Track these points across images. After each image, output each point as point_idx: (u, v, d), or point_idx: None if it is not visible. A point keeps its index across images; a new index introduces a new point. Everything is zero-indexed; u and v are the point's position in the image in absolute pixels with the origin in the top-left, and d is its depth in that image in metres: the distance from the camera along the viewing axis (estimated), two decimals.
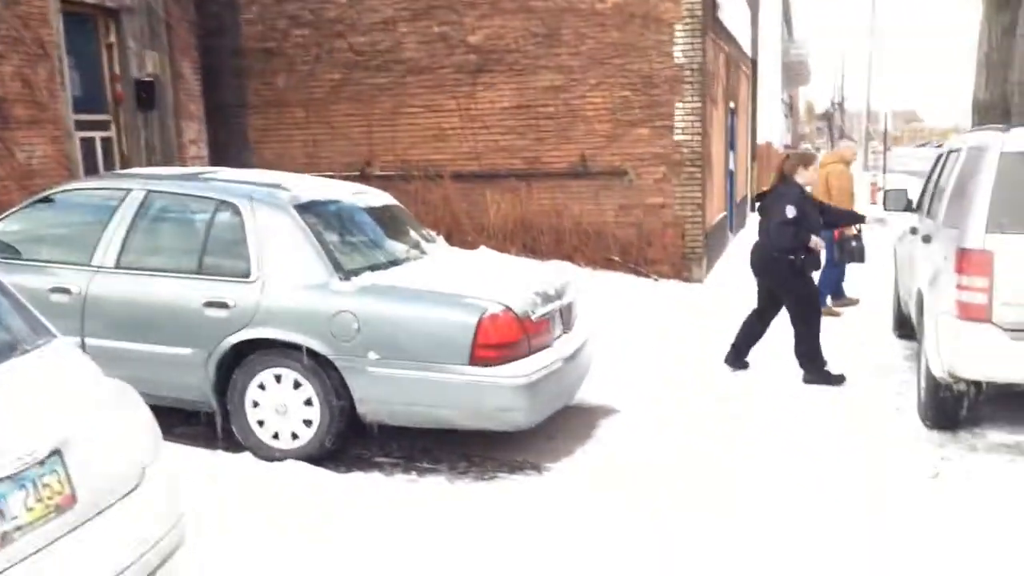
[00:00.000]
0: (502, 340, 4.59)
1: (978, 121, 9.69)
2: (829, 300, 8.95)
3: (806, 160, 6.62)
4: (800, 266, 6.34)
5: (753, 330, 6.81)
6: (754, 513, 4.15)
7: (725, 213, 13.95)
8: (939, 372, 4.97)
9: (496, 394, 4.56)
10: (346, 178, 9.95)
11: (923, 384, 5.46)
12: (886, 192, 7.26)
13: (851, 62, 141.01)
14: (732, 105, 15.10)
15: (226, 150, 11.71)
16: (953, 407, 5.18)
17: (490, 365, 4.56)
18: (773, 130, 40.03)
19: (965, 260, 4.67)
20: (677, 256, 10.86)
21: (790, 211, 6.20)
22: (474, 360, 4.54)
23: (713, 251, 12.14)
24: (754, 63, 20.19)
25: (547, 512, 4.15)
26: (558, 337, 5.16)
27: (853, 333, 8.02)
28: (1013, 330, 4.52)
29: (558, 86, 11.05)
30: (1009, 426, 5.31)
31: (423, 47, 11.37)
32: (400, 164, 11.50)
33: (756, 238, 6.79)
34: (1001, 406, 5.46)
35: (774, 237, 6.33)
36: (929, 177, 6.81)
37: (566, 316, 5.34)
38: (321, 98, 11.75)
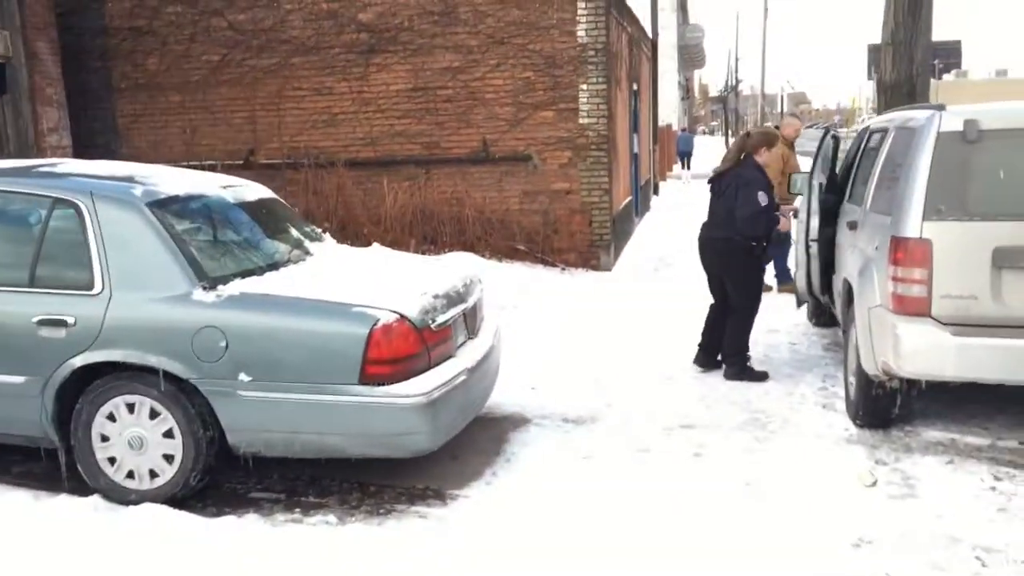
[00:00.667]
0: (397, 354, 3.98)
1: (885, 102, 9.54)
2: (775, 284, 8.63)
3: (770, 140, 6.12)
4: (759, 255, 6.02)
5: (714, 327, 6.36)
6: (685, 547, 3.68)
7: (631, 197, 13.61)
8: (872, 369, 4.61)
9: (392, 416, 3.95)
10: (229, 168, 9.11)
11: (853, 381, 5.11)
12: (790, 176, 6.92)
13: (745, 46, 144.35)
14: (635, 87, 14.76)
15: (92, 139, 10.67)
16: (886, 405, 4.84)
17: (384, 383, 3.95)
18: (672, 112, 40.24)
19: (901, 250, 4.30)
20: (585, 244, 10.42)
21: (763, 198, 5.80)
22: (365, 378, 3.93)
23: (620, 238, 11.77)
24: (654, 46, 19.97)
25: (453, 569, 3.56)
26: (462, 344, 4.59)
27: (763, 320, 7.67)
28: (953, 324, 4.18)
29: (457, 67, 10.43)
30: (941, 422, 5.01)
31: (310, 25, 10.57)
32: (288, 152, 10.70)
33: (708, 222, 6.20)
34: (932, 400, 5.17)
35: (745, 226, 5.84)
36: (850, 159, 6.49)
37: (471, 320, 4.77)
38: (199, 81, 10.80)
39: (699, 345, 6.34)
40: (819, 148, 6.21)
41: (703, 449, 4.78)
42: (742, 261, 5.96)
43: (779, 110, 32.62)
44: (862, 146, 5.82)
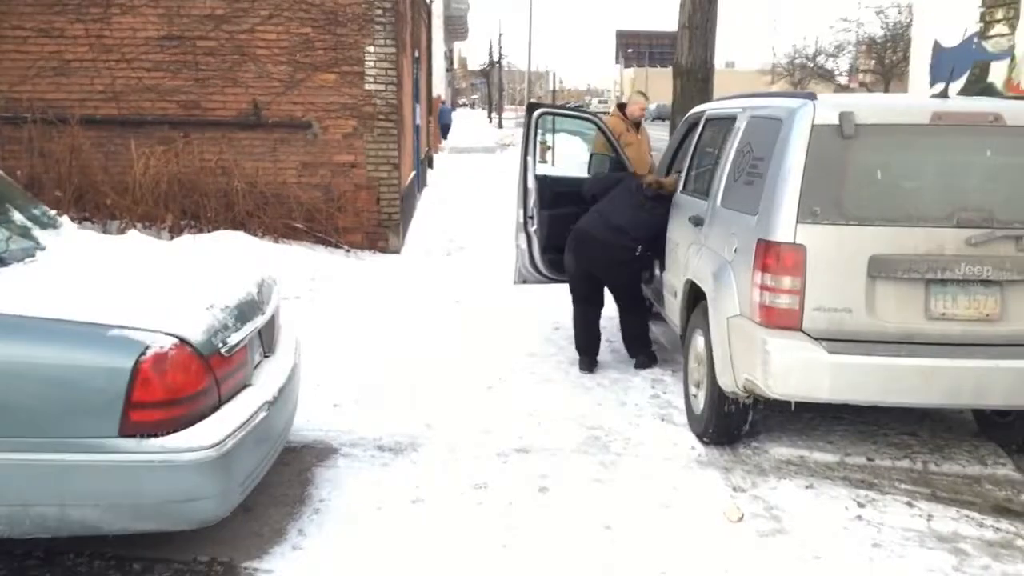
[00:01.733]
0: (176, 392, 2.94)
1: (680, 87, 9.37)
2: None
3: None
4: (645, 257, 5.70)
5: (596, 326, 5.90)
6: None
7: (415, 173, 12.77)
8: (731, 386, 4.16)
9: (170, 478, 2.92)
10: None
11: (699, 394, 4.67)
12: (592, 156, 6.47)
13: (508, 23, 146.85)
14: (416, 54, 13.87)
15: None
16: (738, 422, 4.44)
17: (157, 434, 2.90)
18: (439, 83, 39.66)
19: (771, 255, 3.84)
20: (372, 224, 9.46)
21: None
22: (129, 428, 2.86)
23: (406, 217, 10.91)
24: (429, 13, 19.12)
25: None
26: (258, 365, 3.60)
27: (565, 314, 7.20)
28: (827, 339, 3.78)
29: (221, 16, 9.04)
30: (786, 436, 4.68)
31: None
32: (6, 103, 8.80)
33: (596, 220, 5.66)
34: (771, 412, 4.85)
35: (640, 229, 5.51)
36: (675, 146, 6.07)
37: (267, 334, 3.77)
38: None
39: (579, 350, 5.85)
40: (527, 125, 6.03)
41: (547, 481, 4.11)
42: (626, 259, 5.64)
43: (551, 88, 32.85)
44: (699, 133, 5.38)
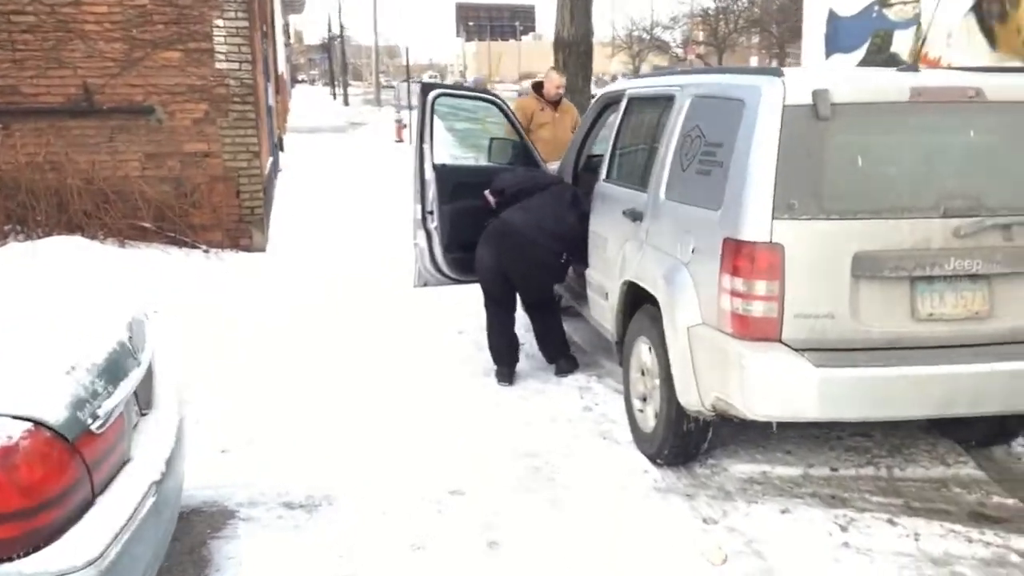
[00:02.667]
0: (33, 497, 2.14)
1: (563, 60, 8.87)
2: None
3: None
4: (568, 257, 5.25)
5: (513, 331, 5.36)
6: None
7: (272, 158, 11.73)
8: (695, 405, 3.68)
9: None
10: None
11: (647, 410, 4.18)
12: (492, 141, 5.85)
13: None
14: (264, 28, 12.75)
15: None
16: (698, 441, 3.98)
17: (12, 556, 2.10)
18: (280, 60, 37.78)
19: (743, 257, 3.36)
20: (232, 219, 8.48)
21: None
22: None
23: (269, 209, 9.94)
24: None
25: None
26: (136, 425, 2.80)
27: (472, 317, 6.60)
28: (809, 350, 3.33)
29: None
30: (741, 449, 4.27)
31: None
32: None
33: (525, 218, 5.07)
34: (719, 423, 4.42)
35: (571, 239, 5.06)
36: (588, 128, 5.53)
37: (145, 386, 2.95)
38: None
39: (496, 363, 5.27)
40: (423, 108, 5.36)
41: (494, 532, 3.51)
42: (556, 271, 5.20)
43: (406, 62, 31.60)
44: (621, 115, 4.84)
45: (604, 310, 4.78)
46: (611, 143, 4.90)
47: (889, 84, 3.46)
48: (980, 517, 3.73)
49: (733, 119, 3.54)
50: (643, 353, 4.21)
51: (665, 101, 4.27)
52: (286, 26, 53.83)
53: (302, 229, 10.05)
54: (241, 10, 8.24)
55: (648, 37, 75.15)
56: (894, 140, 3.38)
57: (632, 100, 4.79)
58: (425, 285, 5.73)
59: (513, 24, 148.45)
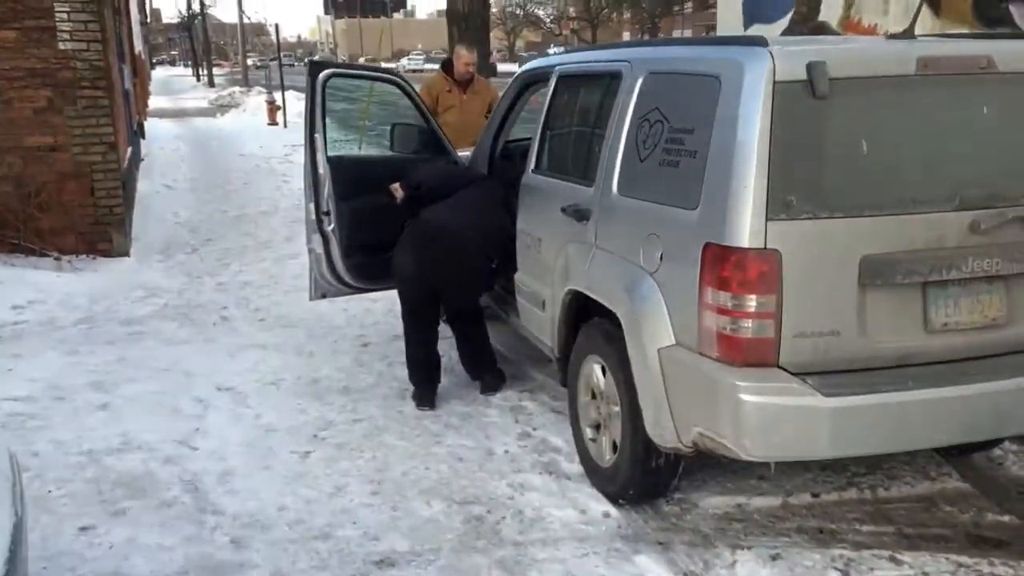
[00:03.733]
0: None
1: (458, 34, 8.14)
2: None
3: None
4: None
5: (435, 349, 4.60)
6: None
7: (131, 149, 10.52)
8: (671, 442, 3.09)
9: None
10: None
11: (601, 440, 3.58)
12: (394, 127, 5.09)
13: None
14: (116, 3, 11.44)
15: None
16: (667, 478, 3.41)
17: None
18: (136, 40, 35.41)
19: (731, 267, 2.77)
20: (88, 221, 7.39)
21: None
22: None
23: (130, 207, 8.83)
24: None
25: None
26: None
27: (385, 330, 5.88)
28: (812, 374, 2.79)
29: None
30: (709, 478, 3.71)
31: None
32: None
33: (454, 217, 4.39)
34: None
35: (505, 241, 4.41)
36: (505, 109, 4.84)
37: None
38: None
39: (416, 384, 4.55)
40: (312, 91, 4.58)
41: None
42: (487, 278, 4.55)
43: (276, 40, 29.84)
44: (551, 95, 4.17)
45: (540, 321, 4.14)
46: (540, 128, 4.23)
47: (892, 54, 2.93)
48: (980, 541, 3.32)
49: (706, 100, 2.94)
50: (595, 374, 3.60)
51: (609, 79, 3.63)
52: (141, 3, 50.71)
53: (171, 226, 9.00)
54: None
55: (522, 13, 74.97)
56: (901, 120, 2.85)
57: (564, 78, 4.13)
58: (323, 297, 4.95)
59: (384, 1, 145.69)
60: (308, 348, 5.39)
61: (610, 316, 3.39)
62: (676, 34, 60.76)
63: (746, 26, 6.63)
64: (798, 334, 2.79)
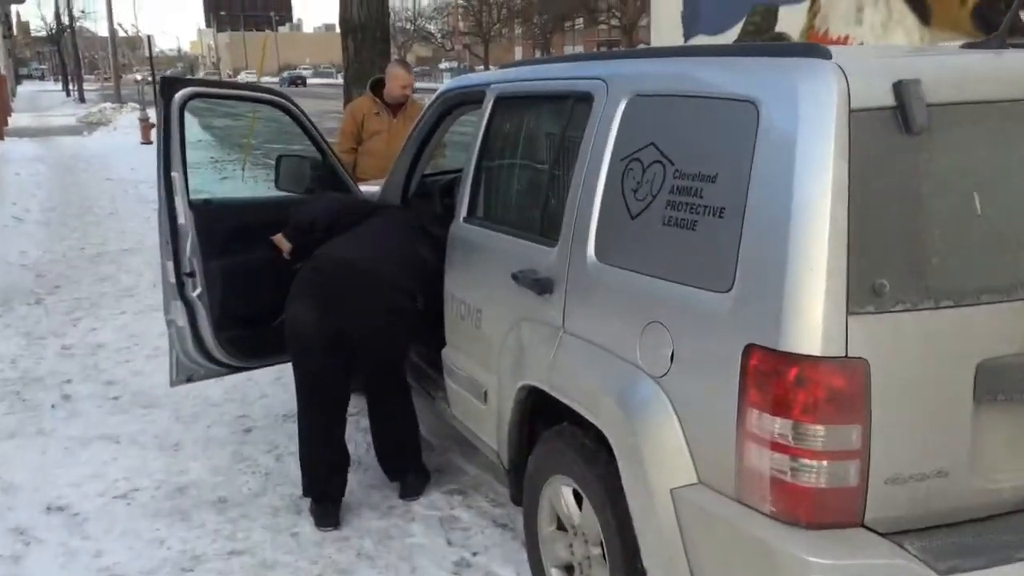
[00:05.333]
0: None
1: (354, 48, 7.09)
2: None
3: None
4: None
5: (343, 442, 3.55)
6: None
7: None
8: None
9: None
10: None
11: None
12: (280, 160, 4.01)
13: None
14: None
15: None
16: None
17: None
18: None
19: (795, 384, 1.87)
20: None
21: None
22: None
23: None
24: None
25: None
26: None
27: (254, 402, 4.79)
28: (912, 533, 1.90)
29: None
30: None
31: None
32: None
33: (368, 256, 3.38)
34: None
35: (420, 276, 3.43)
36: (421, 139, 3.84)
37: None
38: None
39: (321, 491, 3.48)
40: (167, 116, 3.46)
41: None
42: (412, 322, 3.49)
43: (148, 54, 27.82)
44: (486, 123, 3.19)
45: (481, 417, 3.16)
46: (473, 164, 3.24)
47: (1001, 71, 2.07)
48: None
49: (736, 135, 2.03)
50: (565, 501, 2.64)
51: (573, 103, 2.69)
52: (6, 16, 47.35)
53: (14, 270, 7.58)
54: None
55: (412, 28, 73.86)
56: (1017, 163, 2.00)
57: (504, 100, 3.15)
58: (188, 380, 3.82)
59: (268, 14, 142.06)
60: (173, 438, 4.25)
61: (583, 422, 2.45)
62: (568, 50, 60.91)
63: (686, 37, 5.83)
64: (892, 478, 1.90)
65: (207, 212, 3.63)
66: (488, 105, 3.19)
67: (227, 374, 3.91)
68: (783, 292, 1.87)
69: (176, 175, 3.47)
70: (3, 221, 9.78)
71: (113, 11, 35.03)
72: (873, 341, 1.85)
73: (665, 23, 6.07)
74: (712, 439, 2.05)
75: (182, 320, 3.60)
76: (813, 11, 4.89)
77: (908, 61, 2.04)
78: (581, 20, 59.67)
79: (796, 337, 1.86)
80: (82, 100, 40.71)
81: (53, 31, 53.58)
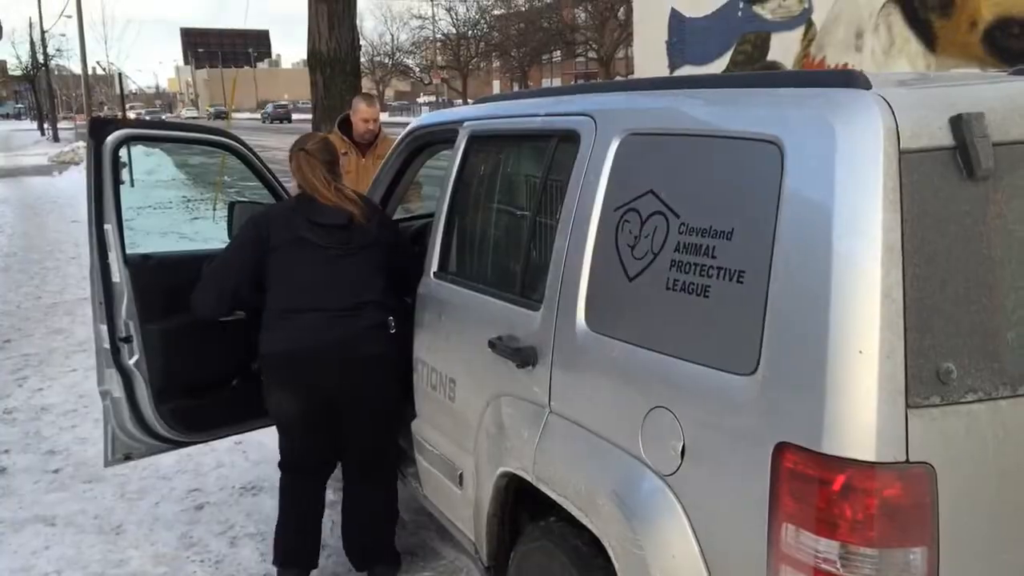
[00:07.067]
0: None
1: (324, 83, 6.73)
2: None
3: None
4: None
5: (319, 522, 3.19)
6: None
7: None
8: None
9: None
10: None
11: None
12: (232, 207, 3.60)
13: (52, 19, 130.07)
14: None
15: None
16: None
17: None
18: None
19: (841, 494, 1.48)
20: None
21: None
22: None
23: None
24: None
25: None
26: None
27: (207, 473, 4.36)
28: None
29: None
30: None
31: None
32: None
33: (340, 310, 2.94)
34: None
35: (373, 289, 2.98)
36: (392, 175, 3.46)
37: None
38: None
39: (292, 569, 3.10)
40: (98, 162, 3.07)
41: None
42: (400, 373, 3.04)
43: (119, 91, 27.44)
44: (458, 166, 2.81)
45: (456, 503, 2.75)
46: (444, 213, 2.86)
47: None
48: None
49: (756, 182, 1.67)
50: None
51: (556, 143, 2.32)
52: None
53: None
54: None
55: (390, 63, 73.93)
56: None
57: (478, 140, 2.78)
58: (127, 459, 3.38)
59: (247, 51, 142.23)
60: (116, 519, 3.80)
61: (573, 520, 2.06)
62: (545, 83, 61.07)
63: (672, 67, 5.51)
64: None
65: (146, 268, 3.22)
66: (461, 145, 2.82)
67: (170, 450, 3.48)
68: (824, 379, 1.50)
69: (109, 227, 3.07)
70: None
71: (87, 49, 34.61)
72: (939, 441, 1.48)
73: (649, 52, 5.75)
74: (736, 556, 1.67)
75: (118, 391, 3.18)
76: (808, 38, 4.58)
77: (965, 91, 1.68)
78: (559, 53, 59.86)
79: (842, 436, 1.48)
80: (56, 139, 40.20)
81: (28, 70, 53.16)
